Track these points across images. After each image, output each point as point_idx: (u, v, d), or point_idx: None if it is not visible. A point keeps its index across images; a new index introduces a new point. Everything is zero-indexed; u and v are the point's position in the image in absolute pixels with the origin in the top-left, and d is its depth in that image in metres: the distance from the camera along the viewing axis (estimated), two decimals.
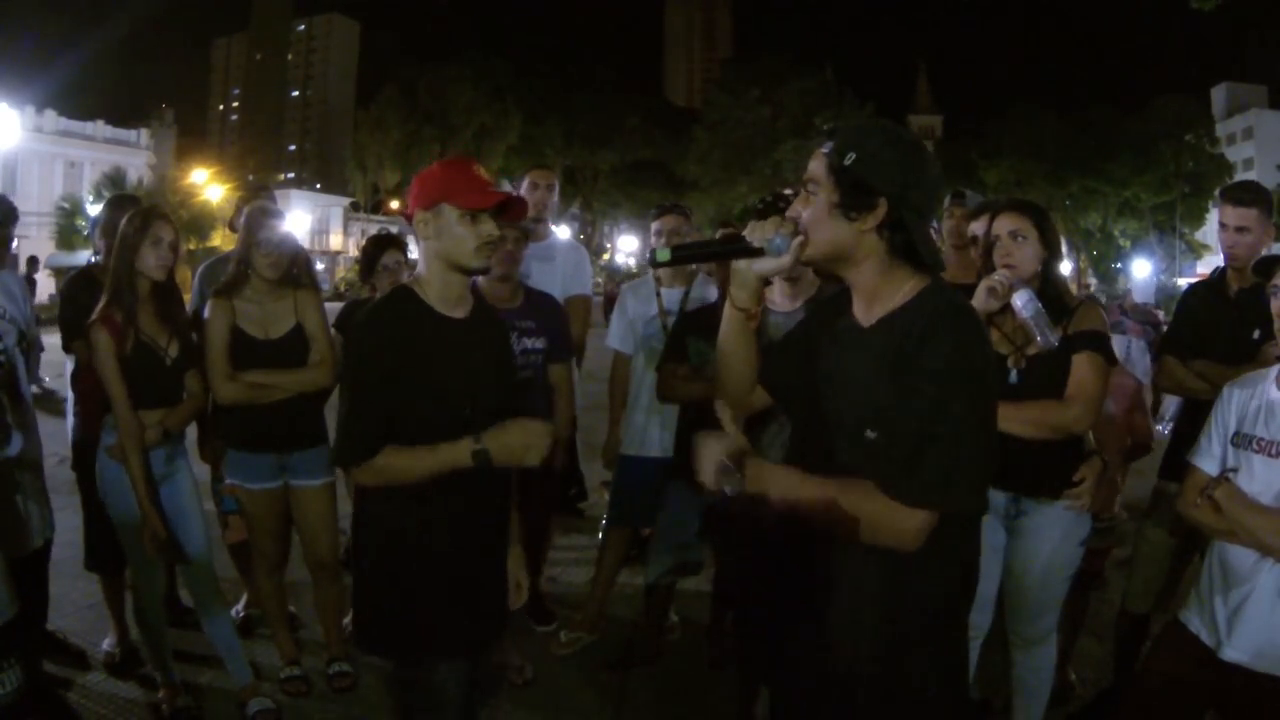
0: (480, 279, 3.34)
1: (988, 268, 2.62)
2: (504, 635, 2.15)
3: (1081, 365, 2.47)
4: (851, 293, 1.66)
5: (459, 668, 2.03)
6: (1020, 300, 2.43)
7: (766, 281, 1.80)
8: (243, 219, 3.30)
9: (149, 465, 2.92)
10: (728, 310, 1.79)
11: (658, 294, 3.80)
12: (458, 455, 1.91)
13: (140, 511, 2.88)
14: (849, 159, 1.53)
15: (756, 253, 1.62)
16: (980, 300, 2.50)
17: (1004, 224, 2.58)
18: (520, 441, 1.93)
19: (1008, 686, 2.83)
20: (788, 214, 1.65)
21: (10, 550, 2.56)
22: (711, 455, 1.62)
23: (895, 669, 1.54)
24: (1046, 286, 2.54)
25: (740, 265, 1.71)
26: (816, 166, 1.58)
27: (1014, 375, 2.53)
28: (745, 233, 1.66)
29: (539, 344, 3.26)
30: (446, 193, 1.95)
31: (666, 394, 3.42)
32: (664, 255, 1.70)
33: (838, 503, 1.50)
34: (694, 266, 4.02)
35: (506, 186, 4.04)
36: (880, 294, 1.58)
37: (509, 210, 2.00)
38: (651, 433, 3.65)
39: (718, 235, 3.79)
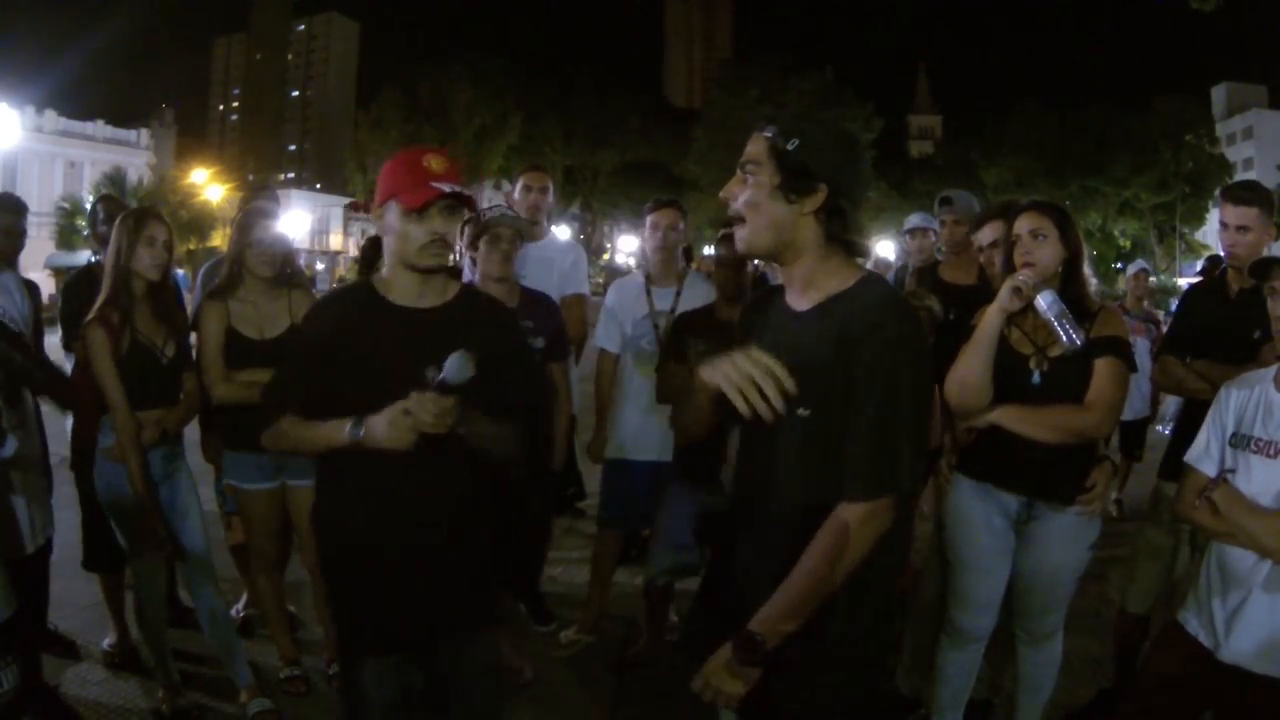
0: (477, 278, 3.35)
1: (1009, 268, 2.61)
2: (459, 638, 2.02)
3: (1103, 371, 2.46)
4: (785, 284, 1.72)
5: (386, 666, 1.98)
6: (1045, 301, 2.41)
7: None
8: (236, 219, 3.31)
9: (148, 464, 2.92)
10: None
11: (648, 293, 3.77)
12: (334, 434, 1.85)
13: (140, 510, 2.88)
14: (792, 144, 1.58)
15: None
16: (1004, 299, 2.48)
17: (1025, 223, 2.57)
18: (387, 419, 1.79)
19: (1007, 687, 2.83)
20: (721, 193, 1.69)
21: (5, 551, 2.56)
22: None
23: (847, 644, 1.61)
24: (1067, 288, 2.52)
25: None
26: (756, 149, 1.62)
27: (1036, 376, 2.52)
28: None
29: (537, 344, 3.26)
30: (392, 190, 1.90)
31: (666, 395, 3.41)
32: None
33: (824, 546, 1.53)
34: (686, 264, 4.00)
35: (504, 188, 4.03)
36: (816, 280, 1.64)
37: (465, 202, 1.93)
38: (641, 436, 3.62)
39: (719, 235, 3.81)
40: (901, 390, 1.53)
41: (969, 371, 2.51)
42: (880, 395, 1.52)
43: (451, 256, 2.11)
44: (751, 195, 1.62)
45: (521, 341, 2.25)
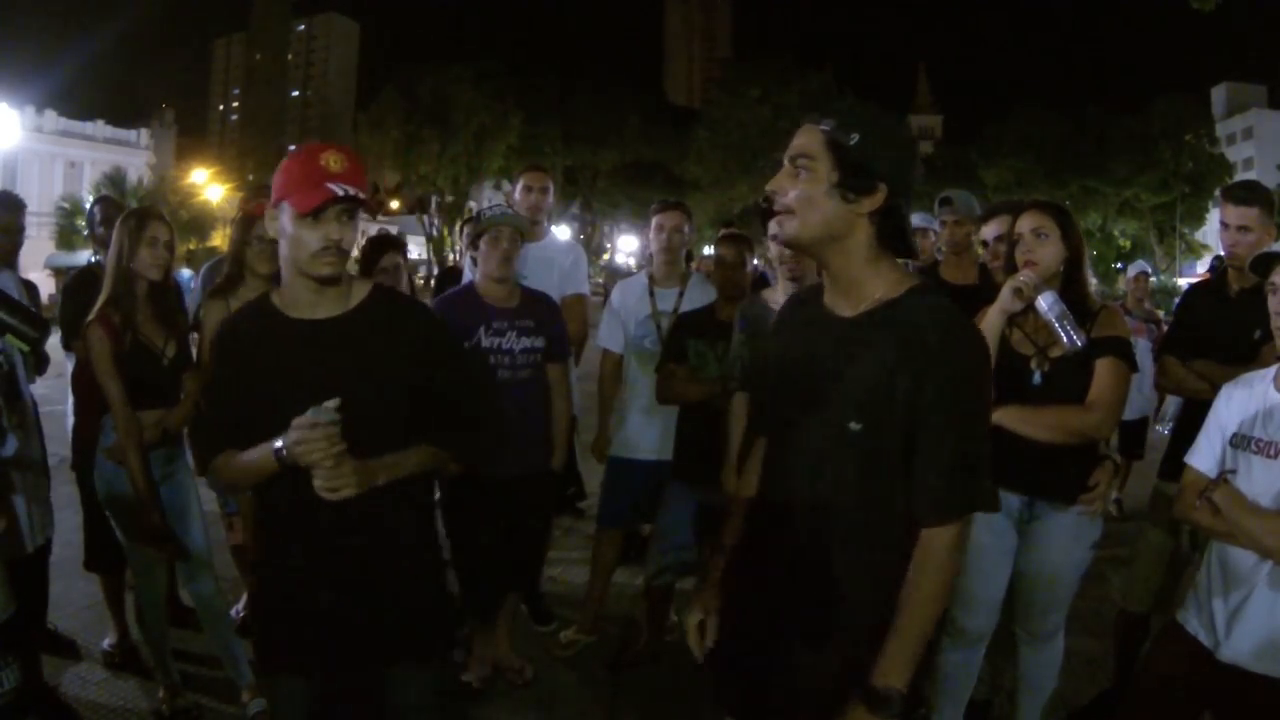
0: (477, 278, 3.35)
1: (1010, 267, 2.61)
2: (396, 669, 1.91)
3: (1104, 371, 2.46)
4: (824, 283, 1.64)
5: (295, 687, 1.88)
6: (1046, 302, 2.41)
7: None
8: (237, 218, 3.31)
9: (148, 465, 2.92)
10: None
11: (651, 294, 3.78)
12: (262, 459, 1.74)
13: (141, 509, 2.88)
14: (853, 139, 1.49)
15: None
16: (1005, 300, 2.48)
17: (1027, 222, 2.58)
18: (293, 438, 1.69)
19: (1007, 687, 2.83)
20: (768, 186, 1.58)
21: (5, 551, 2.56)
22: None
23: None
24: (1069, 289, 2.52)
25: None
26: (810, 141, 1.52)
27: (1037, 377, 2.52)
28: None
29: (538, 343, 3.26)
30: (285, 190, 1.74)
31: (666, 395, 3.41)
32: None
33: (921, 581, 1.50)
34: (689, 265, 4.01)
35: (504, 188, 4.02)
36: (863, 284, 1.56)
37: (364, 205, 1.77)
38: (645, 435, 3.63)
39: (719, 234, 3.81)
40: (977, 412, 1.51)
41: None
42: (959, 420, 1.48)
43: (352, 263, 1.98)
44: (806, 192, 1.52)
45: (445, 338, 2.06)
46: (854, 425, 1.50)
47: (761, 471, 1.77)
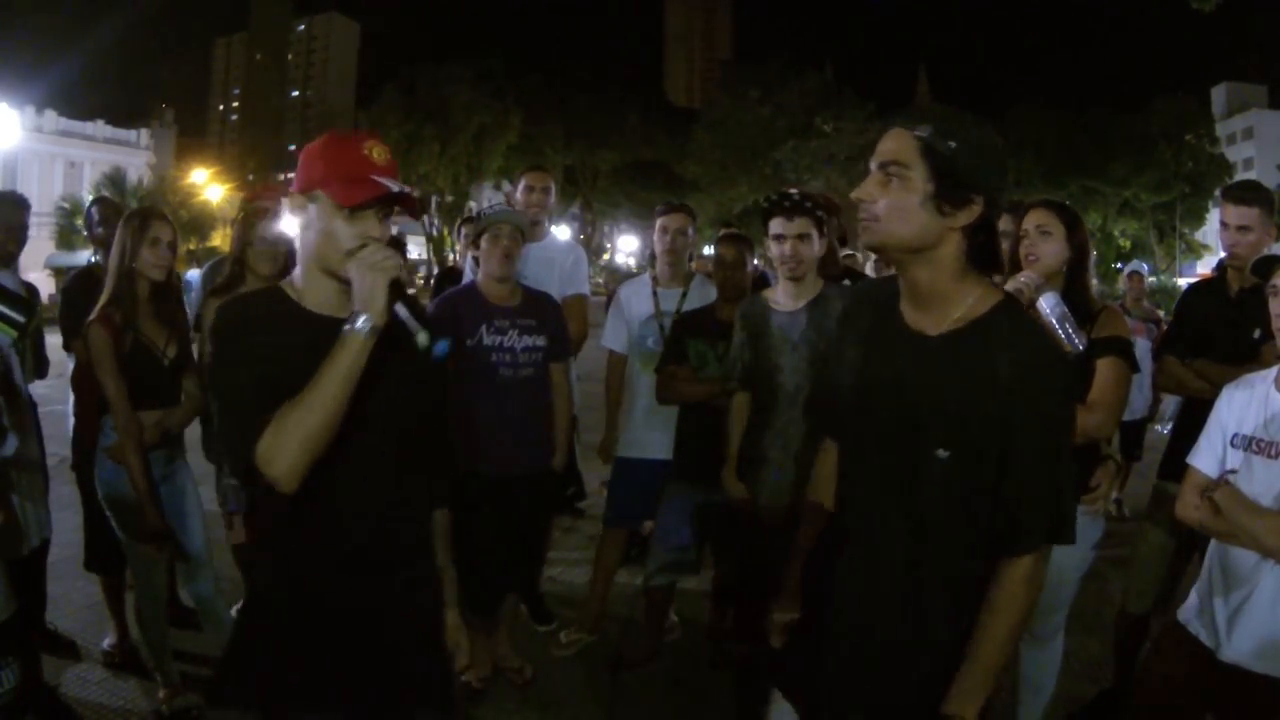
0: (479, 277, 3.35)
1: (1013, 265, 2.61)
2: (413, 691, 1.75)
3: (1105, 371, 2.46)
4: (901, 293, 1.55)
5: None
6: (1047, 303, 2.41)
7: None
8: (238, 218, 3.31)
9: (149, 465, 2.91)
10: None
11: (655, 294, 3.79)
12: (342, 357, 1.48)
13: (141, 509, 2.88)
14: (950, 146, 1.41)
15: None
16: None
17: (1032, 219, 2.59)
18: (358, 283, 1.52)
19: (1007, 687, 2.83)
20: (855, 194, 1.49)
21: (4, 552, 2.56)
22: None
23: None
24: (1070, 290, 2.52)
25: None
26: (903, 147, 1.43)
27: None
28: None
29: (540, 341, 3.26)
30: (324, 177, 1.58)
31: (666, 395, 3.41)
32: (423, 340, 1.57)
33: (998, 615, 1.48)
34: (692, 267, 4.02)
35: (504, 188, 4.03)
36: (949, 300, 1.49)
37: (401, 203, 1.63)
38: (649, 434, 3.64)
39: (719, 234, 3.81)
40: (1063, 441, 1.48)
41: None
42: (1046, 450, 1.45)
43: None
44: (898, 202, 1.43)
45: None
46: (941, 453, 1.46)
47: (838, 484, 1.71)
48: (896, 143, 1.44)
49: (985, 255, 1.50)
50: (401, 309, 1.55)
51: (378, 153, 1.60)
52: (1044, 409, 1.44)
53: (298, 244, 1.67)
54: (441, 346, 1.61)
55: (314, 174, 1.59)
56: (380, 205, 1.59)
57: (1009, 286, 2.49)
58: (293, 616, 1.65)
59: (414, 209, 1.71)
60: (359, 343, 1.48)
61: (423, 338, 1.56)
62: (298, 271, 1.66)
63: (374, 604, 1.68)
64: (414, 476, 1.73)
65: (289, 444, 1.45)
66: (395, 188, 1.59)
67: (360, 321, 1.48)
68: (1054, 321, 2.39)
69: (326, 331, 1.54)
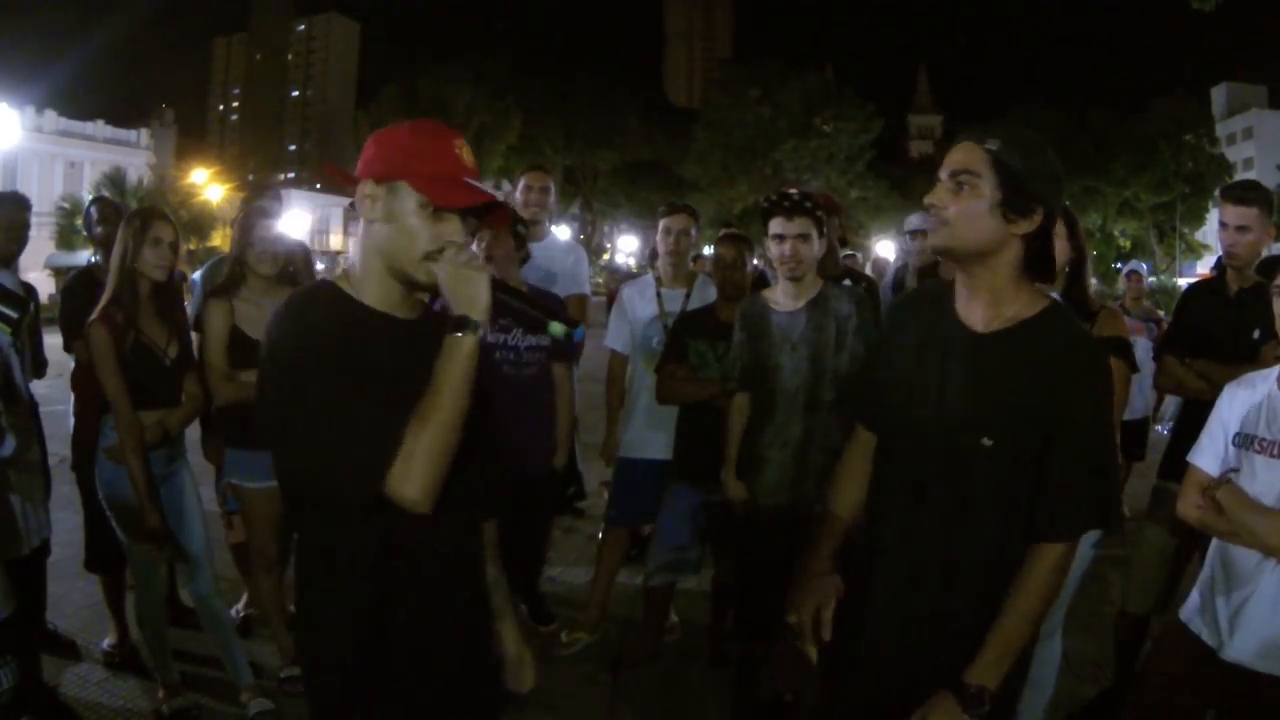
0: None
1: None
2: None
3: None
4: (956, 294, 1.65)
5: None
6: None
7: None
8: (238, 219, 3.32)
9: (149, 465, 2.92)
10: None
11: (658, 294, 3.79)
12: (457, 365, 1.37)
13: (140, 510, 2.88)
14: (1017, 161, 1.53)
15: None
16: None
17: None
18: (456, 286, 1.40)
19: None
20: (927, 199, 1.60)
21: (3, 552, 2.56)
22: None
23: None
24: (1071, 289, 2.52)
25: None
26: (973, 158, 1.55)
27: None
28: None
29: (544, 341, 3.26)
30: (410, 170, 1.42)
31: (665, 395, 3.42)
32: (557, 329, 1.49)
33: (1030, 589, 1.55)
34: (694, 267, 4.02)
35: (504, 188, 4.03)
36: (1003, 301, 1.60)
37: (491, 214, 1.51)
38: (651, 434, 3.64)
39: (719, 234, 3.82)
40: (1105, 435, 1.57)
41: None
42: (1087, 443, 1.54)
43: None
44: (969, 207, 1.54)
45: None
46: (986, 441, 1.55)
47: (876, 470, 1.77)
48: (967, 154, 1.56)
49: (1040, 262, 1.60)
50: (514, 303, 1.49)
51: (466, 154, 1.47)
52: (1086, 403, 1.54)
53: (361, 235, 1.48)
54: (580, 332, 1.57)
55: (396, 163, 1.43)
56: (464, 212, 1.46)
57: None
58: (373, 674, 1.47)
59: (507, 221, 1.56)
60: (470, 347, 1.38)
61: (556, 328, 1.49)
62: (355, 264, 1.49)
63: (445, 635, 1.53)
64: (469, 488, 1.53)
65: (424, 463, 1.32)
66: (499, 197, 1.47)
67: (468, 325, 1.38)
68: None
69: (395, 332, 1.46)
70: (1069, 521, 1.55)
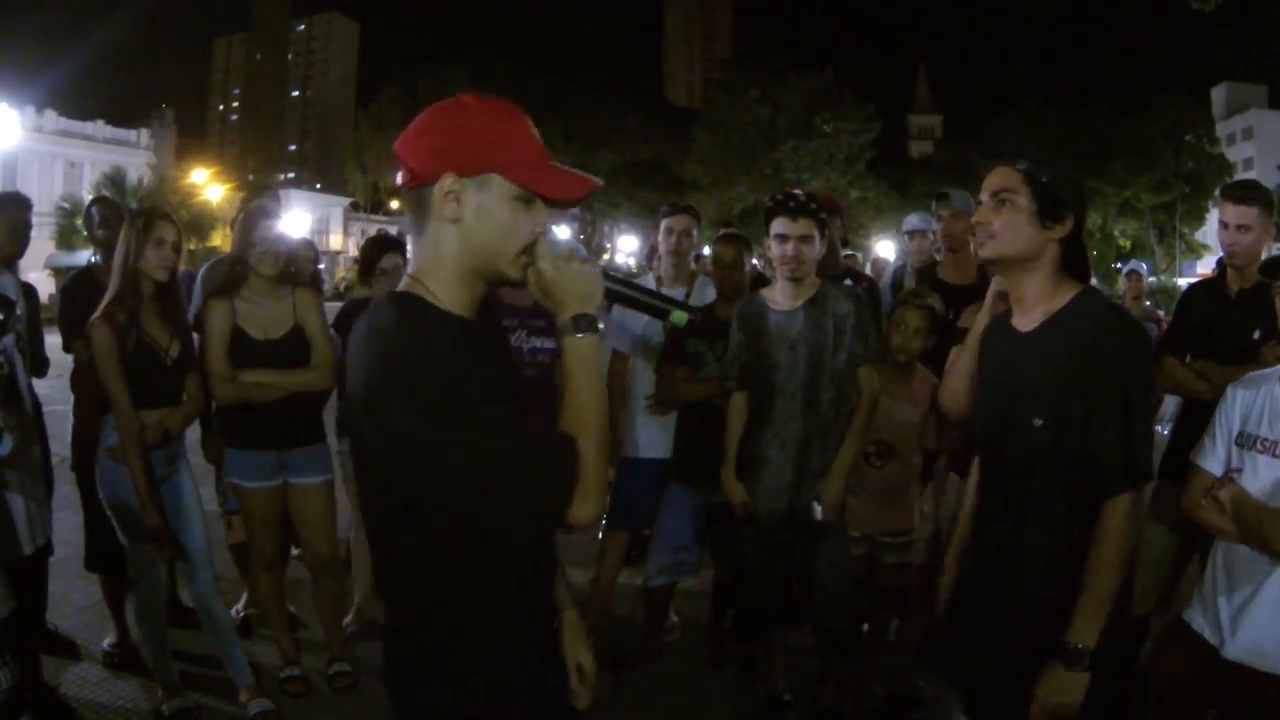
0: None
1: None
2: None
3: None
4: (1013, 305, 1.91)
5: None
6: None
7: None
8: (239, 219, 3.32)
9: (149, 465, 2.92)
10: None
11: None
12: (592, 350, 1.31)
13: (140, 510, 2.88)
14: (1046, 175, 1.80)
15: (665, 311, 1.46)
16: (990, 304, 2.43)
17: None
18: (560, 279, 1.31)
19: None
20: (975, 218, 1.85)
21: (2, 552, 2.56)
22: None
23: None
24: None
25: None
26: (1010, 179, 1.81)
27: None
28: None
29: (549, 343, 3.26)
30: (504, 157, 1.28)
31: (665, 394, 3.41)
32: (680, 318, 1.45)
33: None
34: (695, 267, 4.02)
35: None
36: (1043, 299, 1.83)
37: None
38: (651, 434, 3.64)
39: (719, 234, 3.82)
40: (1136, 391, 1.72)
41: (960, 380, 2.49)
42: (1122, 399, 1.70)
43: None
44: (1011, 220, 1.80)
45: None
46: (1038, 421, 1.76)
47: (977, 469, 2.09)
48: (1003, 176, 1.83)
49: (1076, 262, 1.85)
50: (630, 293, 1.43)
51: (538, 133, 1.34)
52: (1117, 370, 1.71)
53: (438, 234, 1.30)
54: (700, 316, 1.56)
55: (482, 152, 1.28)
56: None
57: (992, 290, 2.43)
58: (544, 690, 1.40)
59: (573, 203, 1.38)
60: (596, 345, 1.31)
61: (679, 315, 1.43)
62: (433, 268, 1.31)
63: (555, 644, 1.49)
64: None
65: (596, 478, 1.25)
66: (597, 180, 1.37)
67: (589, 324, 1.30)
68: None
69: (474, 336, 1.34)
70: (1115, 479, 1.71)
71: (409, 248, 1.45)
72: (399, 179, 1.34)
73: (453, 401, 1.19)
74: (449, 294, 1.31)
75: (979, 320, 2.50)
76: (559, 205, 1.36)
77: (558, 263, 1.30)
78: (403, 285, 1.34)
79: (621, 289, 1.39)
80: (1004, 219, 1.80)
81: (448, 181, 1.27)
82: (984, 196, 1.85)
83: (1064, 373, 1.74)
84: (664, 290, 3.79)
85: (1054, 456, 1.76)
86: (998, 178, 1.84)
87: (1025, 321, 1.86)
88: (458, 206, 1.28)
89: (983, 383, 2.01)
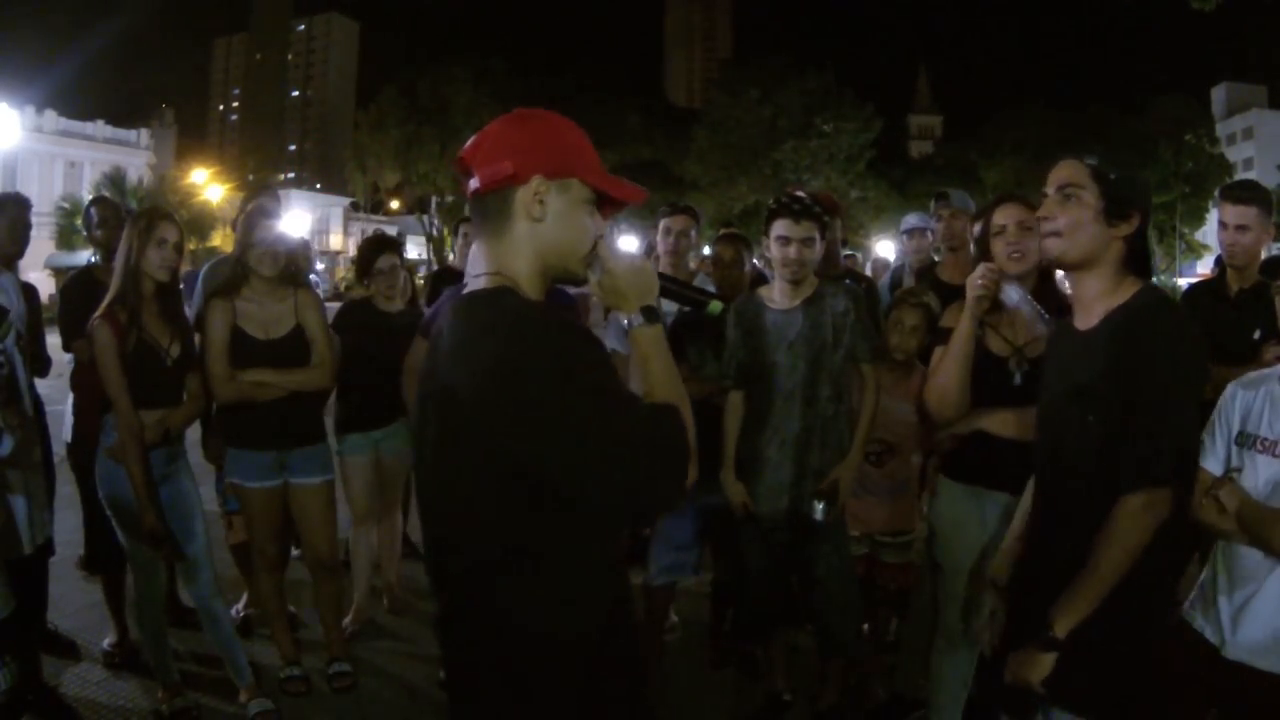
0: None
1: (984, 256, 2.55)
2: None
3: None
4: (1075, 302, 1.89)
5: None
6: (1015, 295, 2.42)
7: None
8: (240, 219, 3.32)
9: (149, 464, 2.92)
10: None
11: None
12: (660, 340, 1.42)
13: (139, 510, 2.88)
14: (1114, 173, 1.77)
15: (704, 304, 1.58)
16: (972, 305, 2.42)
17: (1011, 214, 2.51)
18: (626, 278, 1.42)
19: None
20: (1040, 212, 1.83)
21: (2, 551, 2.56)
22: None
23: None
24: (1044, 285, 2.52)
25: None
26: (1076, 174, 1.79)
27: (1017, 378, 2.50)
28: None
29: None
30: (582, 165, 1.38)
31: None
32: (717, 307, 1.57)
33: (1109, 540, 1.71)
34: (694, 266, 4.02)
35: None
36: (1105, 296, 1.82)
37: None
38: None
39: (719, 234, 3.82)
40: (1176, 395, 1.71)
41: (946, 380, 2.49)
42: (1161, 401, 1.69)
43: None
44: (1076, 216, 1.78)
45: None
46: (1090, 418, 1.77)
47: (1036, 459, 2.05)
48: (1070, 170, 1.81)
49: (1139, 259, 1.82)
50: (675, 287, 1.57)
51: None
52: (1153, 370, 1.69)
53: (519, 233, 1.36)
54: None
55: (568, 159, 1.37)
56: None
57: (970, 292, 2.42)
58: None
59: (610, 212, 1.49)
60: (661, 333, 1.42)
61: (716, 306, 1.57)
62: (516, 266, 1.37)
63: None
64: None
65: (694, 446, 1.42)
66: (645, 190, 1.52)
67: (654, 315, 1.41)
68: (1018, 305, 2.42)
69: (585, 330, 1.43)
70: (1129, 475, 1.70)
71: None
72: (474, 183, 1.39)
73: (594, 378, 1.27)
74: (530, 290, 1.38)
75: (962, 321, 2.50)
76: (616, 209, 1.48)
77: (627, 261, 1.42)
78: (490, 284, 1.36)
79: (669, 284, 1.52)
80: (1069, 215, 1.78)
81: (536, 184, 1.34)
82: (1049, 189, 1.81)
83: (1115, 370, 1.73)
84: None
85: (1104, 454, 1.74)
86: (1065, 171, 1.81)
87: (1085, 320, 1.85)
88: (542, 207, 1.35)
89: (1046, 386, 1.99)
